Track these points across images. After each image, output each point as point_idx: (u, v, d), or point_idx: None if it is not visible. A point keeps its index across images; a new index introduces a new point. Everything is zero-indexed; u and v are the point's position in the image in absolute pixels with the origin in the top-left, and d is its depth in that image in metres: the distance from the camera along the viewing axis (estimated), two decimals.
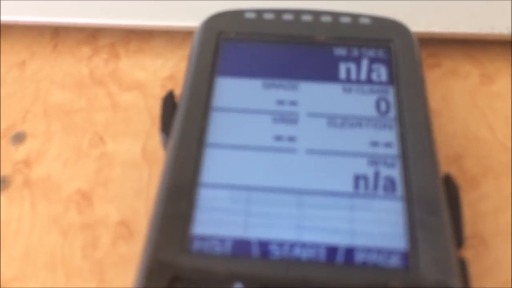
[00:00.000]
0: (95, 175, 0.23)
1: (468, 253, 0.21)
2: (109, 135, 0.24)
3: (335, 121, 0.20)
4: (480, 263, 0.21)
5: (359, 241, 0.17)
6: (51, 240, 0.21)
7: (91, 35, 0.28)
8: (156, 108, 0.25)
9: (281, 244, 0.17)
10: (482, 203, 0.22)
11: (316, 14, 0.23)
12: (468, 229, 0.21)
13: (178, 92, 0.22)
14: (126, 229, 0.21)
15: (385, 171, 0.18)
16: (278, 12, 0.23)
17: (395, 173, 0.18)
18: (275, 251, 0.17)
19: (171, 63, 0.27)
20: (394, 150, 0.19)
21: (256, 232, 0.17)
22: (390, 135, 0.19)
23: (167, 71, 0.26)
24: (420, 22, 0.26)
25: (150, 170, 0.23)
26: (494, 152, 0.23)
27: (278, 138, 0.19)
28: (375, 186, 0.18)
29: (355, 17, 0.22)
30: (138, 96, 0.25)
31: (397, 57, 0.21)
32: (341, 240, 0.17)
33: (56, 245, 0.21)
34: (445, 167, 0.23)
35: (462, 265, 0.17)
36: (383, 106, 0.20)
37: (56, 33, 0.28)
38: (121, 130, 0.24)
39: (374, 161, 0.19)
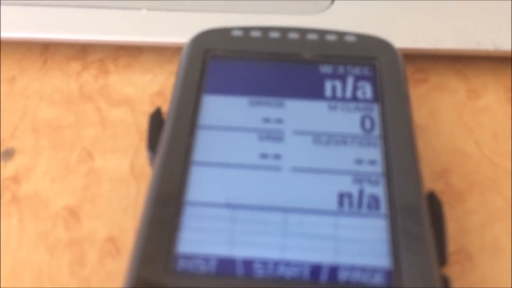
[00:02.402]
0: (82, 191, 0.23)
1: (453, 268, 0.21)
2: (97, 151, 0.24)
3: (321, 138, 0.20)
4: (465, 279, 0.21)
5: (343, 259, 0.17)
6: (38, 257, 0.21)
7: (81, 50, 0.28)
8: (144, 124, 0.25)
9: (265, 263, 0.17)
10: (468, 218, 0.22)
11: (303, 31, 0.23)
12: (454, 244, 0.21)
13: (166, 108, 0.22)
14: (114, 246, 0.21)
15: (369, 189, 0.18)
16: (265, 30, 0.23)
17: (379, 191, 0.18)
18: (259, 270, 0.17)
19: (160, 78, 0.27)
20: (378, 168, 0.19)
21: (240, 250, 0.17)
22: (374, 153, 0.19)
23: (156, 86, 0.26)
24: (407, 38, 0.26)
25: (138, 187, 0.23)
26: (481, 168, 0.24)
27: (264, 156, 0.19)
28: (360, 204, 0.18)
29: (340, 34, 0.23)
30: (126, 112, 0.25)
31: (382, 74, 0.21)
32: (325, 258, 0.17)
33: (43, 262, 0.21)
34: (431, 182, 0.23)
35: (445, 283, 0.17)
36: (368, 123, 0.20)
37: (46, 49, 0.28)
38: (109, 146, 0.24)
39: (358, 179, 0.19)
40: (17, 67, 0.27)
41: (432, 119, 0.25)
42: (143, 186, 0.23)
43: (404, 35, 0.26)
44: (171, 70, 0.27)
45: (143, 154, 0.24)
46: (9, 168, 0.24)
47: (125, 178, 0.23)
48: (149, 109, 0.25)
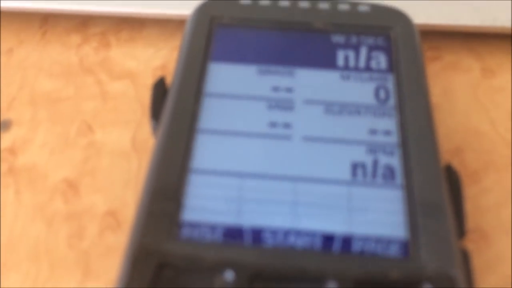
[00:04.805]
0: (82, 164, 0.22)
1: (469, 247, 0.20)
2: (97, 124, 0.23)
3: (333, 108, 0.19)
4: (481, 258, 0.20)
5: (356, 230, 0.16)
6: (35, 230, 0.20)
7: (81, 23, 0.27)
8: (147, 97, 0.24)
9: (274, 232, 0.16)
10: (483, 197, 0.21)
11: (314, 0, 0.22)
12: (469, 223, 0.20)
13: (170, 80, 0.22)
14: (114, 219, 0.20)
15: (384, 159, 0.18)
16: None
17: (395, 161, 0.18)
18: (268, 238, 0.16)
19: (163, 52, 0.26)
20: (393, 138, 0.18)
21: (248, 219, 0.16)
22: (389, 123, 0.18)
23: (159, 60, 0.25)
24: (421, 14, 0.25)
25: (139, 160, 0.22)
26: (496, 146, 0.23)
27: (273, 124, 0.18)
28: (374, 174, 0.17)
29: (353, 4, 0.22)
30: (128, 85, 0.24)
31: (397, 45, 0.21)
32: (338, 228, 0.16)
33: (40, 234, 0.20)
34: (445, 161, 0.22)
35: (465, 256, 0.16)
36: (382, 94, 0.19)
37: (45, 21, 0.27)
38: (110, 119, 0.23)
39: (372, 149, 0.18)
40: (15, 39, 0.26)
41: (446, 97, 0.24)
42: (145, 160, 0.22)
43: (418, 10, 0.25)
44: (174, 44, 0.26)
45: (145, 128, 0.23)
46: (6, 139, 0.23)
47: (126, 151, 0.22)
48: (151, 82, 0.25)
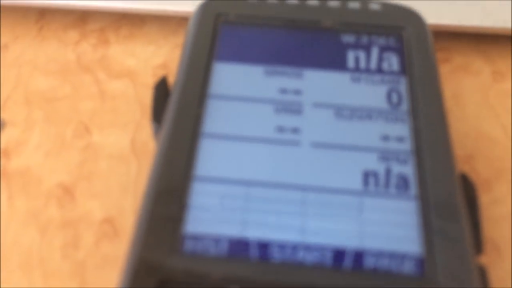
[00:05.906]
0: (78, 168, 0.21)
1: (480, 260, 0.19)
2: (95, 126, 0.22)
3: (343, 112, 0.18)
4: (493, 271, 0.19)
5: (369, 244, 0.15)
6: (28, 238, 0.19)
7: (79, 19, 0.26)
8: (147, 98, 0.23)
9: (282, 246, 0.15)
10: (496, 207, 0.20)
11: None
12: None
13: (172, 80, 0.21)
14: (111, 227, 0.19)
15: (397, 168, 0.17)
16: None
17: (408, 170, 0.17)
18: (276, 253, 0.15)
19: (164, 50, 0.25)
20: (407, 146, 0.17)
21: (255, 232, 0.15)
22: (402, 129, 0.18)
23: (160, 58, 0.24)
24: (431, 15, 0.24)
25: (139, 164, 0.21)
26: (508, 153, 0.22)
27: (281, 129, 0.17)
28: (387, 184, 0.16)
29: (364, 3, 0.21)
30: (128, 85, 0.23)
31: (409, 46, 0.20)
32: (349, 242, 0.15)
33: (34, 243, 0.19)
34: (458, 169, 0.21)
35: (482, 273, 0.15)
36: (394, 97, 0.18)
37: (42, 16, 0.26)
38: (108, 120, 0.22)
39: (385, 156, 0.17)
40: (11, 34, 0.25)
41: (455, 101, 0.23)
42: (144, 164, 0.21)
43: (427, 10, 0.24)
44: (176, 42, 0.25)
45: (145, 129, 0.22)
46: None
47: (125, 155, 0.21)
48: (151, 82, 0.24)
